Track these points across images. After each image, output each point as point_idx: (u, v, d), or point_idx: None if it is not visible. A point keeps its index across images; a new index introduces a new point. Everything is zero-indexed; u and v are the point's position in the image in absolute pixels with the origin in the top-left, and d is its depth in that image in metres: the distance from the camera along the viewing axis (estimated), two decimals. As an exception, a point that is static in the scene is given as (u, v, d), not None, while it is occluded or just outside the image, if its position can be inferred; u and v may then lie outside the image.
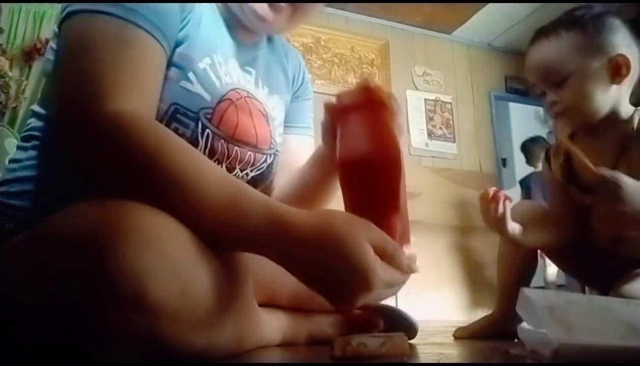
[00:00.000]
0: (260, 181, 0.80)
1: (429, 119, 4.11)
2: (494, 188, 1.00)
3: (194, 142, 0.67)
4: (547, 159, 1.18)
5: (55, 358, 0.43)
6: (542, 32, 1.05)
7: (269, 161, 0.80)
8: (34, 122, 0.69)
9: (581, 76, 0.99)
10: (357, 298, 0.47)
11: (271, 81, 0.85)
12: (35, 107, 0.71)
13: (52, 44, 0.68)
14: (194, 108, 0.67)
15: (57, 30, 0.62)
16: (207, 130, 0.69)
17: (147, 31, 0.57)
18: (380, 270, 0.47)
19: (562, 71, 1.00)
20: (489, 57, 4.52)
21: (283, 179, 0.88)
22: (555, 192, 1.15)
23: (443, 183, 3.94)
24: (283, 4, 0.73)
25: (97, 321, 0.40)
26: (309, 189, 0.84)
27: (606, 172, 0.88)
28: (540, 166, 3.20)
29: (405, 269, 0.50)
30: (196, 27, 0.70)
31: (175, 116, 0.66)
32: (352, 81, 3.88)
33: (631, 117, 1.02)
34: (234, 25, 0.78)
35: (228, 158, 0.73)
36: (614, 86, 1.00)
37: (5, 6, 3.11)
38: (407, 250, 0.56)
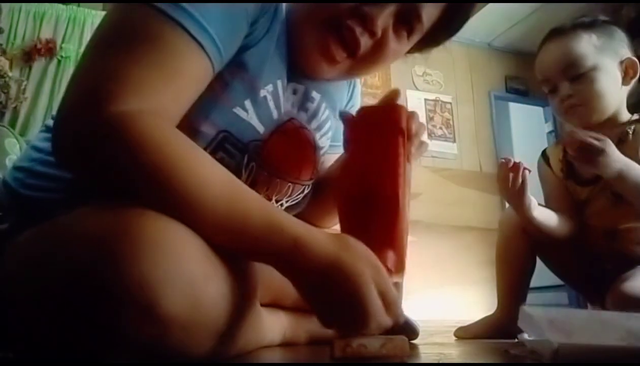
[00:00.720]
0: (293, 209, 0.79)
1: (429, 119, 4.11)
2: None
3: (237, 174, 0.63)
4: (545, 158, 1.22)
5: (57, 359, 0.43)
6: (560, 31, 1.09)
7: (305, 192, 0.79)
8: None
9: (599, 72, 1.04)
10: (346, 330, 0.50)
11: (333, 104, 0.81)
12: None
13: None
14: (244, 139, 0.64)
15: None
16: (253, 163, 0.67)
17: (190, 34, 0.50)
18: (378, 315, 0.47)
19: (582, 65, 1.04)
20: (489, 57, 4.53)
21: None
22: (555, 187, 1.17)
23: (443, 183, 3.94)
24: (340, 57, 0.64)
25: (106, 327, 0.39)
26: (324, 195, 0.82)
27: (598, 137, 0.93)
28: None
29: (395, 320, 0.50)
30: (272, 47, 0.64)
31: (223, 144, 0.63)
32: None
33: (628, 122, 1.06)
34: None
35: (267, 189, 0.71)
36: (623, 87, 1.06)
37: (5, 6, 3.11)
38: (399, 279, 0.56)
